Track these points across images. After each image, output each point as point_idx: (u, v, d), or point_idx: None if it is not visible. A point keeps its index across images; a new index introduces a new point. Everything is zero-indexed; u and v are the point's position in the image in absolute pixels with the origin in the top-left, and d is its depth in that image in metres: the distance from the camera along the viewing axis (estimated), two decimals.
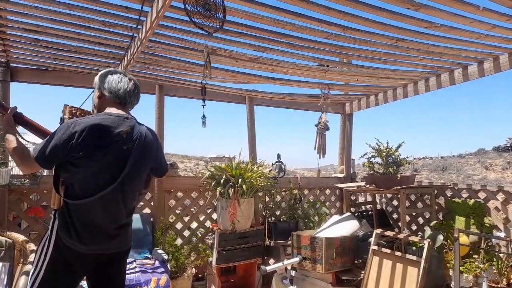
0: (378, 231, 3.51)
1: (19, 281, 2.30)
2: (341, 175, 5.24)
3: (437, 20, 2.53)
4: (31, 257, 2.51)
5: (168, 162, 4.43)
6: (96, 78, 1.95)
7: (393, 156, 3.94)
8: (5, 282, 2.58)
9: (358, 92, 4.81)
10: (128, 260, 3.27)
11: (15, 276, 2.63)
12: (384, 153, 3.94)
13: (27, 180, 3.23)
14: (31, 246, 2.64)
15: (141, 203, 4.05)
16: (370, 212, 4.65)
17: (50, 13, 2.50)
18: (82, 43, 3.03)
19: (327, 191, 5.16)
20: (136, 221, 3.70)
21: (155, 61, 3.37)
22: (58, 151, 1.65)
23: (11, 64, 3.53)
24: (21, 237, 2.75)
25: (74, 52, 3.24)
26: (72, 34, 2.84)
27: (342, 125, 5.38)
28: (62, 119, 1.84)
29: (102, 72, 1.96)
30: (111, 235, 1.81)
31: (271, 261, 4.19)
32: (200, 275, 4.02)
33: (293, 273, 3.73)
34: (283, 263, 3.04)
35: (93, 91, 1.98)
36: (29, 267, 2.40)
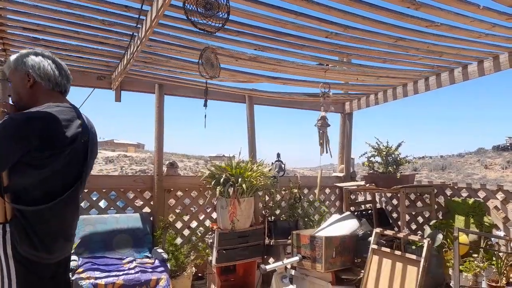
0: (378, 230, 3.51)
1: None
2: (341, 174, 5.24)
3: (437, 19, 2.53)
4: None
5: (168, 161, 4.44)
6: (19, 61, 1.61)
7: (393, 155, 3.94)
8: None
9: (358, 91, 4.81)
10: (128, 259, 3.28)
11: None
12: (384, 152, 3.94)
13: None
14: None
15: (141, 202, 4.05)
16: (369, 211, 4.65)
17: (50, 12, 2.49)
18: (82, 42, 3.03)
19: (327, 190, 5.17)
20: (136, 220, 3.70)
21: (154, 60, 3.37)
22: (13, 151, 1.40)
23: None
24: None
25: (74, 51, 3.23)
26: (72, 33, 2.84)
27: (341, 124, 5.38)
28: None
29: (29, 52, 1.64)
30: (69, 237, 1.68)
31: (271, 260, 4.19)
32: (200, 274, 4.02)
33: (292, 272, 3.73)
34: (282, 262, 3.04)
35: (32, 81, 1.61)
36: None
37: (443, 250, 3.41)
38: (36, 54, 1.64)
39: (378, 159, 4.01)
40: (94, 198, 3.85)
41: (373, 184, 3.95)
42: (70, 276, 2.83)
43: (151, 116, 4.11)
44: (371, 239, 3.47)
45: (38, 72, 1.61)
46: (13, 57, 1.63)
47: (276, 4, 2.40)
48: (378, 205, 4.81)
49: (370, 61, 3.48)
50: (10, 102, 1.65)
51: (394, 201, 4.77)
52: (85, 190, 3.75)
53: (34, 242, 1.48)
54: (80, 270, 2.89)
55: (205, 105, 3.17)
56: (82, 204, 3.78)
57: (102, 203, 3.91)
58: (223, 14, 2.14)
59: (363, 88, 4.52)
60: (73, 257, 3.10)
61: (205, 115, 3.12)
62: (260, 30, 2.77)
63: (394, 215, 4.76)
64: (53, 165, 1.49)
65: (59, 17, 2.58)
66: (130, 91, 4.11)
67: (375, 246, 3.41)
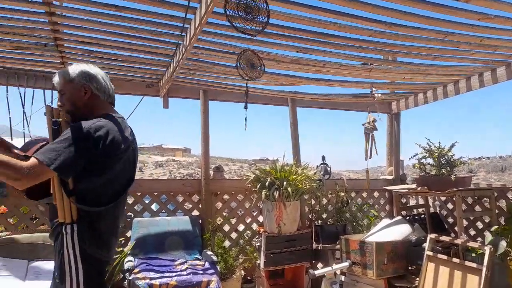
0: (433, 236, 3.32)
1: None
2: (390, 177, 5.03)
3: (490, 11, 2.36)
4: None
5: (214, 165, 4.53)
6: (75, 74, 1.71)
7: (446, 157, 3.71)
8: None
9: (405, 90, 4.61)
10: (180, 261, 3.37)
11: None
12: (436, 154, 3.73)
13: None
14: None
15: (190, 205, 4.15)
16: (422, 216, 4.42)
17: (103, 25, 2.65)
18: (132, 52, 3.19)
19: (376, 194, 4.99)
20: (186, 223, 3.80)
21: (199, 67, 3.46)
22: (81, 158, 1.51)
23: None
24: None
25: (125, 62, 3.41)
26: (123, 44, 2.99)
27: (389, 125, 5.18)
28: (57, 122, 1.62)
29: (85, 66, 1.76)
30: (118, 236, 1.81)
31: (319, 265, 4.11)
32: (248, 277, 4.03)
33: (342, 278, 3.63)
34: (332, 267, 2.96)
35: (84, 91, 1.72)
36: None
37: (508, 258, 3.15)
38: (90, 68, 1.75)
39: (430, 160, 3.81)
40: (147, 201, 4.02)
41: (426, 187, 3.75)
42: (127, 276, 2.97)
43: (196, 121, 4.21)
44: (426, 245, 3.28)
45: (95, 85, 1.73)
46: (67, 70, 1.74)
47: (318, 5, 2.37)
48: (431, 209, 4.56)
49: (417, 58, 3.32)
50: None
51: (449, 205, 4.49)
52: (138, 194, 3.93)
53: (97, 240, 1.61)
54: (136, 270, 3.02)
55: (246, 107, 3.19)
56: (135, 207, 3.96)
57: (154, 206, 4.07)
58: (263, 17, 2.15)
59: (410, 86, 4.33)
60: (129, 257, 3.25)
61: (246, 118, 3.14)
62: (302, 32, 2.75)
63: (450, 220, 4.48)
64: (113, 170, 1.64)
65: (111, 30, 2.74)
66: (177, 98, 4.25)
67: (430, 253, 3.23)
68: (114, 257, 3.30)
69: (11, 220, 3.51)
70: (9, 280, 2.73)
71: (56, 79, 1.76)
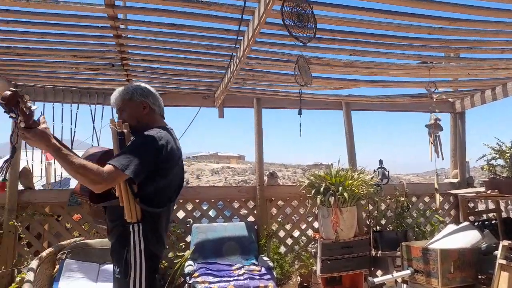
0: (506, 243, 3.06)
1: None
2: (455, 180, 4.73)
3: None
4: None
5: (268, 171, 4.59)
6: (133, 92, 1.91)
7: None
8: None
9: (470, 88, 4.32)
10: (237, 266, 3.46)
11: None
12: (508, 154, 3.45)
13: None
14: None
15: (245, 211, 4.25)
16: (493, 221, 4.09)
17: (163, 43, 2.84)
18: (189, 66, 3.37)
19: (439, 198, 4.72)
20: (242, 229, 3.90)
21: (252, 76, 3.55)
22: (149, 164, 1.67)
23: None
24: None
25: (182, 76, 3.60)
26: (180, 60, 3.18)
27: (452, 125, 4.88)
28: (122, 133, 1.80)
29: (140, 85, 1.96)
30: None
31: (379, 272, 3.97)
32: (305, 284, 4.02)
33: (404, 286, 3.47)
34: (392, 275, 2.86)
35: (125, 105, 1.91)
36: None
37: None
38: (144, 85, 1.96)
39: (501, 161, 3.53)
40: (205, 208, 4.18)
41: (496, 190, 3.48)
42: (188, 279, 3.11)
43: (250, 129, 4.32)
44: (498, 253, 3.04)
45: (152, 101, 1.92)
46: (125, 89, 1.93)
47: (370, 7, 2.33)
48: (504, 214, 4.21)
49: (484, 53, 3.11)
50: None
51: None
52: (197, 200, 4.11)
53: (158, 238, 1.78)
54: (196, 274, 3.16)
55: (300, 113, 3.23)
56: (194, 213, 4.14)
57: (211, 212, 4.22)
58: (311, 25, 2.17)
59: (476, 83, 4.05)
60: (189, 262, 3.40)
61: (300, 124, 3.19)
62: (354, 35, 2.72)
63: None
64: (170, 176, 1.81)
65: (170, 47, 2.92)
66: (231, 107, 4.39)
67: (503, 261, 2.98)
68: (175, 261, 3.48)
69: (84, 226, 3.85)
70: (83, 282, 2.99)
71: (114, 98, 1.94)
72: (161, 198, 1.80)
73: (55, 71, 3.47)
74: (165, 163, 1.75)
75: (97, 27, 2.59)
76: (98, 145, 3.79)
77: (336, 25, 2.56)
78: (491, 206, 4.30)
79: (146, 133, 1.76)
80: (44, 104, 3.93)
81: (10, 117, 1.37)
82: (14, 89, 1.38)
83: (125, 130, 1.81)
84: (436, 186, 3.90)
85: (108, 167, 1.58)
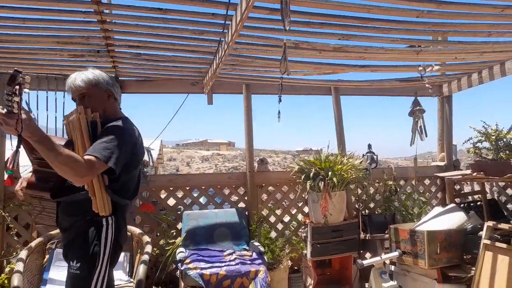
0: (490, 223, 3.15)
1: (138, 268, 2.63)
2: (442, 163, 4.81)
3: None
4: (147, 248, 2.84)
5: (258, 158, 4.59)
6: (102, 78, 1.83)
7: (505, 140, 3.48)
8: (127, 269, 2.97)
9: (457, 72, 4.36)
10: (228, 251, 3.49)
11: (135, 263, 3.01)
12: (493, 137, 3.51)
13: None
14: (146, 238, 2.98)
15: (236, 198, 4.27)
16: (478, 203, 4.19)
17: (149, 28, 2.78)
18: (176, 52, 3.30)
19: (426, 181, 4.80)
20: (233, 215, 3.92)
21: (241, 62, 3.51)
22: (127, 156, 1.68)
23: (119, 78, 4.00)
24: (137, 230, 3.12)
25: (170, 62, 3.54)
26: (168, 45, 3.12)
27: (439, 108, 4.94)
28: (95, 123, 1.70)
29: (103, 74, 1.86)
30: None
31: (368, 254, 4.06)
32: (295, 268, 4.08)
33: (392, 267, 3.56)
34: (380, 257, 2.92)
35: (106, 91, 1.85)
36: (146, 257, 2.72)
37: None
38: (104, 73, 1.88)
39: (486, 144, 3.59)
40: (195, 195, 4.18)
41: (482, 172, 3.55)
42: (179, 266, 3.13)
43: (240, 115, 4.30)
44: (482, 233, 3.13)
45: (116, 90, 1.89)
46: (87, 74, 1.81)
47: None
48: (489, 196, 4.31)
49: (471, 36, 3.13)
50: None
51: (509, 191, 4.22)
52: (187, 188, 4.11)
53: (125, 229, 1.83)
54: (187, 261, 3.18)
55: (280, 100, 3.56)
56: (185, 201, 4.14)
57: (202, 199, 4.23)
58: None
59: (463, 67, 4.08)
60: (181, 249, 3.41)
61: (279, 111, 3.52)
62: (344, 18, 2.69)
63: (510, 206, 4.21)
64: (138, 167, 1.86)
65: (156, 32, 2.86)
66: (220, 94, 4.35)
67: (487, 242, 3.07)
68: (167, 248, 3.49)
69: None
70: None
71: (77, 81, 1.78)
72: (129, 189, 1.81)
73: (38, 58, 3.37)
74: (138, 155, 1.81)
75: (80, 12, 2.51)
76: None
77: (325, 9, 2.53)
78: (477, 188, 4.39)
79: (118, 124, 1.73)
80: (29, 92, 3.83)
81: (11, 100, 1.26)
82: (18, 70, 1.27)
83: (98, 120, 1.71)
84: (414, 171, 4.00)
85: (90, 158, 1.52)
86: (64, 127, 1.81)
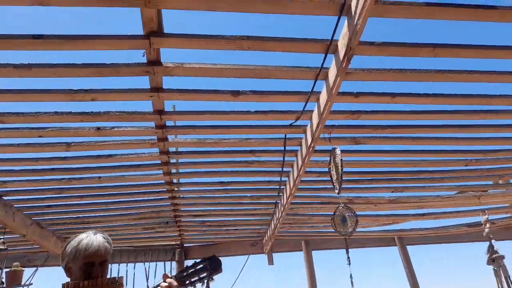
0: None
1: None
2: None
3: None
4: None
5: None
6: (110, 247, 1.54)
7: None
8: None
9: None
10: None
11: None
12: None
13: None
14: None
15: None
16: None
17: (212, 199, 3.08)
18: (236, 217, 3.53)
19: None
20: None
21: (298, 220, 3.61)
22: None
23: (185, 245, 4.22)
24: None
25: (231, 226, 3.74)
26: (228, 212, 3.36)
27: None
28: None
29: (107, 239, 1.57)
30: None
31: None
32: None
33: None
34: None
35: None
36: None
37: None
38: None
39: None
40: None
41: None
42: None
43: (297, 273, 4.15)
44: None
45: None
46: (108, 239, 1.55)
47: (391, 149, 2.50)
48: None
49: None
50: None
51: None
52: None
53: None
54: None
55: (349, 263, 2.91)
56: None
57: None
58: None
59: None
60: None
61: (351, 275, 2.77)
62: (392, 174, 2.82)
63: None
64: None
65: (218, 201, 3.14)
66: (279, 252, 4.33)
67: None
68: None
69: None
70: None
71: (104, 247, 1.50)
72: None
73: (116, 233, 3.74)
74: None
75: (154, 192, 2.90)
76: None
77: (374, 168, 2.71)
78: None
79: None
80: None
81: None
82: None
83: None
84: None
85: None
86: None
